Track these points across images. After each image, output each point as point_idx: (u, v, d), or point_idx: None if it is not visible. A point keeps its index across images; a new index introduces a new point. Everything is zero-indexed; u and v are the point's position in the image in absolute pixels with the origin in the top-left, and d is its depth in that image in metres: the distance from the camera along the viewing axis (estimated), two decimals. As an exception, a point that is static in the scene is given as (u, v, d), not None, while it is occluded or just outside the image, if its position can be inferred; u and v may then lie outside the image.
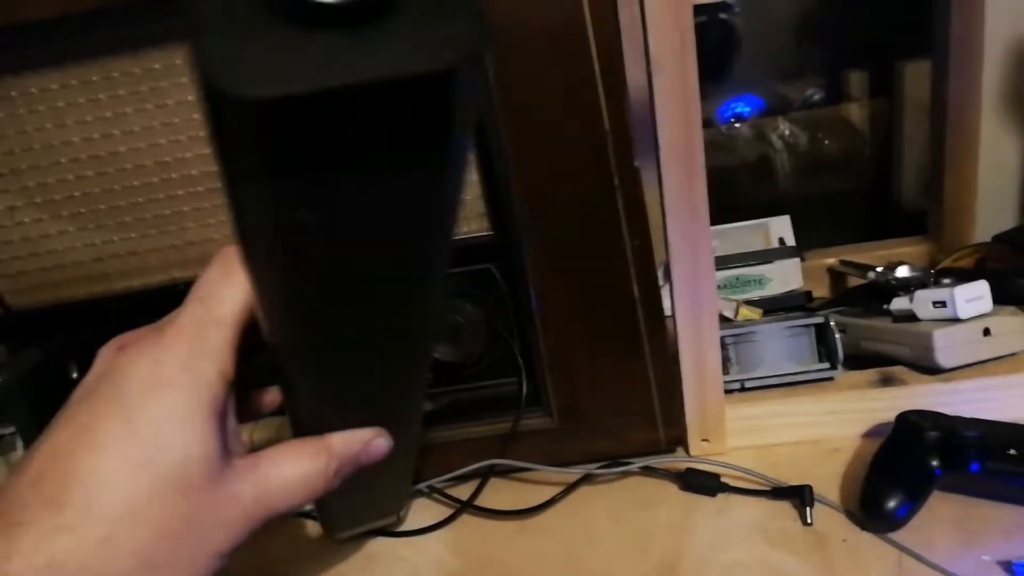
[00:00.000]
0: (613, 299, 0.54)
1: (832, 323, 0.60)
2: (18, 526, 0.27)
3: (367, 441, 0.33)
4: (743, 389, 0.61)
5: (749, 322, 0.64)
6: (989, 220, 0.78)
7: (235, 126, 0.20)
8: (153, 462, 0.28)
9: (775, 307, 0.73)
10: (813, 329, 0.61)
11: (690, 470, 0.58)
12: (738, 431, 0.61)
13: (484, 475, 0.60)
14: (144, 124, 0.53)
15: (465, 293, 0.59)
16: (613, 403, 0.58)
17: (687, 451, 0.61)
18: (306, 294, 0.26)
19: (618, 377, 0.57)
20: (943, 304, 0.59)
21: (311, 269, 0.25)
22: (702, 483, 0.57)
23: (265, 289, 0.28)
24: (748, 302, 0.73)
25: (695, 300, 0.55)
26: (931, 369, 0.59)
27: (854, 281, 0.79)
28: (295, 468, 0.32)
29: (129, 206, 0.55)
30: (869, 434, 0.60)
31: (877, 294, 0.70)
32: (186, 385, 0.29)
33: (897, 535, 0.51)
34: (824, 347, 0.61)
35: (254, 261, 0.27)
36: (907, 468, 0.52)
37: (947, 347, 0.57)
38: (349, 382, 0.32)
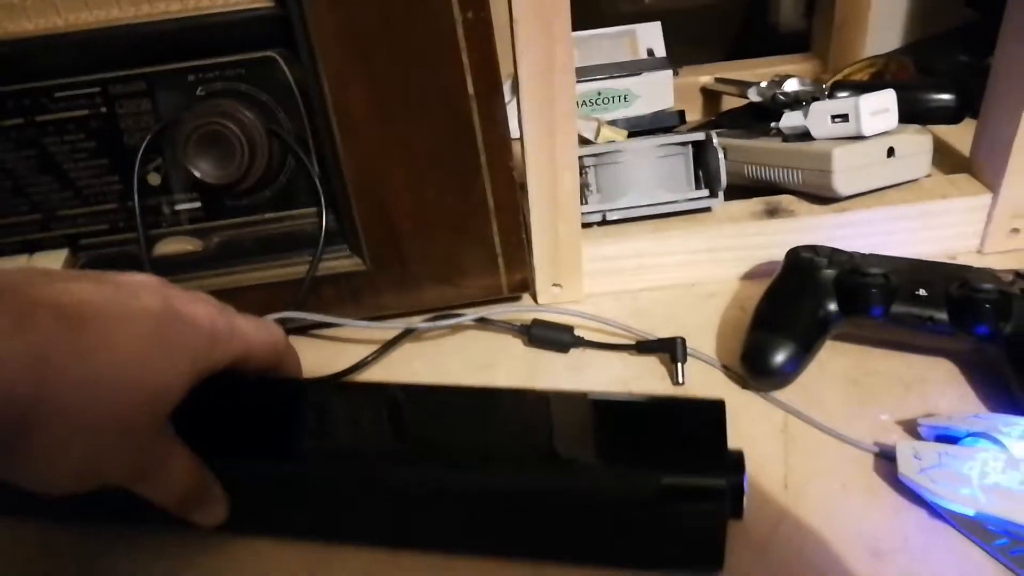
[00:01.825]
0: (440, 95, 0.40)
1: (715, 140, 0.48)
2: (28, 316, 0.27)
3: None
4: (604, 222, 0.49)
5: (613, 142, 0.52)
6: (875, 38, 0.69)
7: None
8: (159, 363, 0.30)
9: (642, 129, 0.61)
10: (691, 149, 0.50)
11: (537, 321, 0.47)
12: (596, 274, 0.49)
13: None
14: None
15: (237, 92, 0.43)
16: (441, 238, 0.45)
17: (534, 299, 0.50)
18: None
19: (448, 205, 0.44)
20: (844, 118, 0.48)
21: None
22: (552, 337, 0.46)
23: None
24: (611, 123, 0.60)
25: (548, 109, 0.42)
26: (824, 198, 0.50)
27: (731, 103, 0.69)
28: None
29: None
30: (751, 275, 0.50)
31: (759, 115, 0.59)
32: (205, 350, 0.32)
33: (782, 394, 0.42)
34: (703, 171, 0.50)
35: None
36: (798, 313, 0.42)
37: (847, 169, 0.47)
38: None
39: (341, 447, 0.36)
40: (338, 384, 0.44)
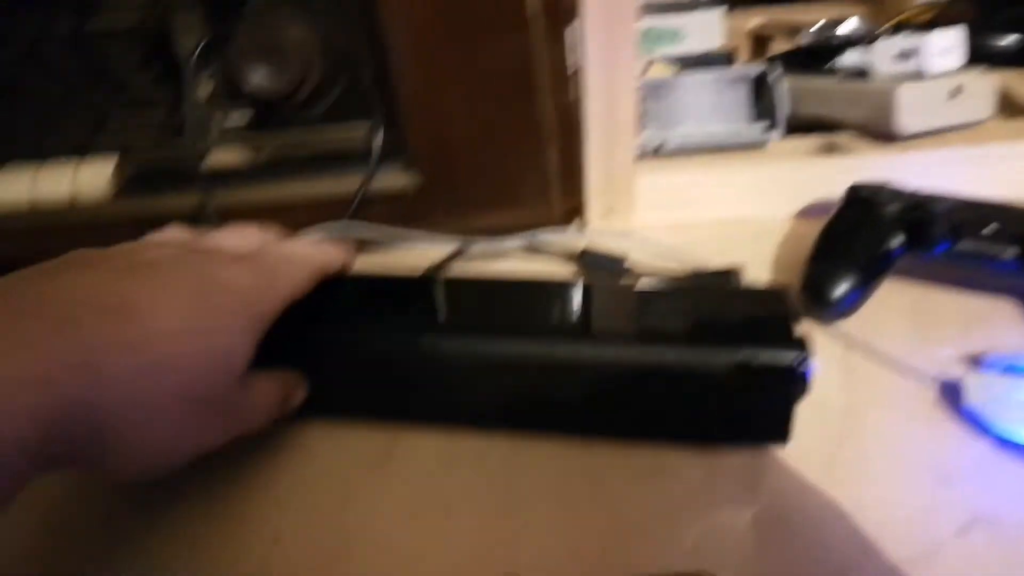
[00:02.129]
0: (505, 8, 0.39)
1: (776, 72, 0.47)
2: (69, 318, 0.26)
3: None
4: (658, 152, 0.48)
5: (671, 74, 0.51)
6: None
7: None
8: (211, 338, 0.29)
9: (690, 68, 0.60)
10: (750, 82, 0.49)
11: (588, 250, 0.46)
12: (648, 205, 0.49)
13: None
14: None
15: (292, 1, 0.42)
16: (496, 159, 0.44)
17: (583, 227, 0.49)
18: None
19: (505, 124, 0.43)
20: (908, 56, 0.47)
21: None
22: (603, 265, 0.45)
23: None
24: (662, 59, 0.59)
25: (610, 30, 0.41)
26: (884, 137, 0.49)
27: (778, 48, 0.67)
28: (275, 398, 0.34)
29: None
30: (805, 213, 0.49)
31: (812, 58, 0.58)
32: (254, 308, 0.32)
33: (842, 325, 0.41)
34: (761, 105, 0.49)
35: None
36: (861, 247, 0.42)
37: (910, 107, 0.46)
38: None
39: (439, 326, 0.37)
40: (421, 278, 0.44)
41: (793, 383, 0.32)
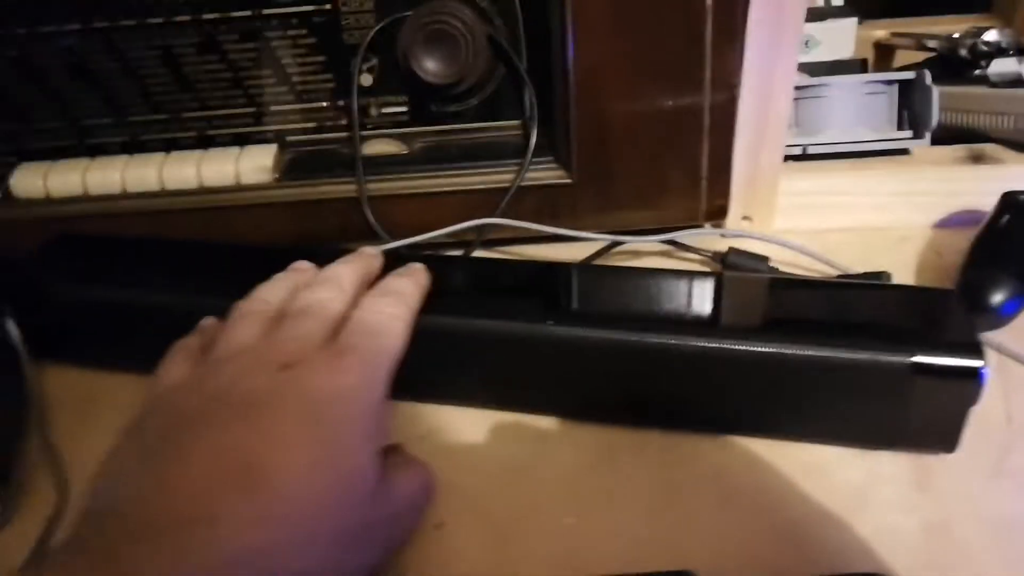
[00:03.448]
0: (676, 5, 0.40)
1: (927, 78, 0.47)
2: (207, 513, 0.25)
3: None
4: (803, 156, 0.48)
5: (818, 78, 0.51)
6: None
7: None
8: (334, 468, 0.28)
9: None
10: (897, 88, 0.49)
11: (733, 250, 0.46)
12: (788, 209, 0.49)
13: (471, 242, 0.47)
14: None
15: (465, -6, 0.43)
16: (651, 154, 0.44)
17: (725, 228, 0.49)
18: None
19: (663, 119, 0.43)
20: (1065, 65, 0.47)
21: None
22: (748, 266, 0.46)
23: None
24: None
25: (775, 27, 0.41)
26: (1033, 147, 0.48)
27: (904, 59, 0.67)
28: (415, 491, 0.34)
29: None
30: (947, 223, 0.49)
31: (947, 68, 0.57)
32: (363, 409, 0.30)
33: (997, 334, 0.41)
34: (909, 111, 0.49)
35: None
36: (1020, 254, 0.41)
37: (1068, 116, 0.45)
38: None
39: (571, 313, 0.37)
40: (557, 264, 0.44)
41: (972, 388, 0.32)
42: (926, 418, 0.34)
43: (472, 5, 0.43)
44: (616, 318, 0.35)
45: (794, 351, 0.33)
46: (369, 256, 0.39)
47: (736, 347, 0.33)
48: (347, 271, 0.36)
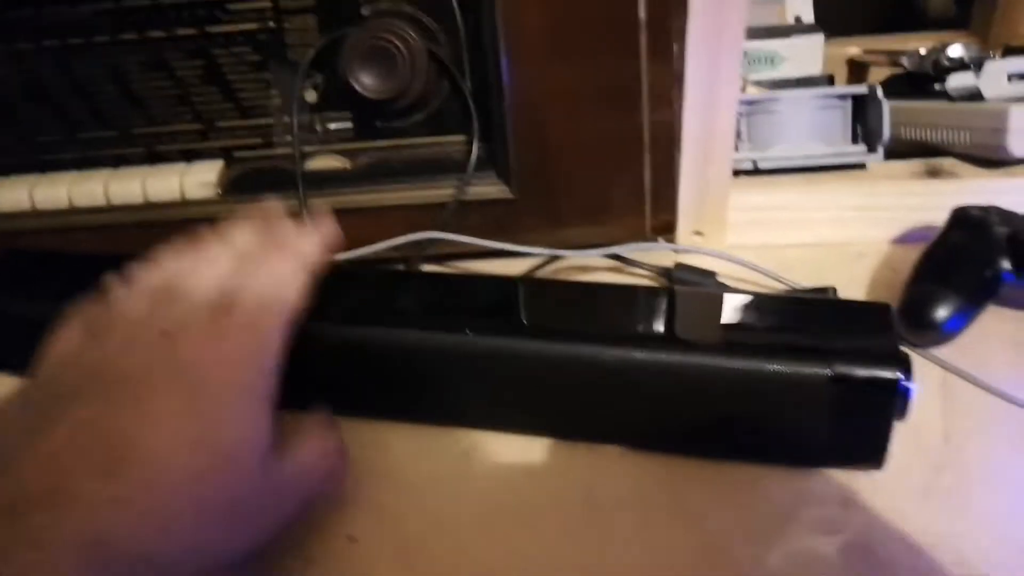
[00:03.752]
0: (612, 19, 0.39)
1: (879, 92, 0.46)
2: (62, 493, 0.24)
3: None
4: (754, 171, 0.48)
5: (769, 92, 0.50)
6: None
7: None
8: (210, 442, 0.27)
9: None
10: (850, 102, 0.48)
11: (680, 265, 0.45)
12: (740, 225, 0.48)
13: (410, 257, 0.46)
14: None
15: (401, 12, 0.43)
16: (593, 170, 0.44)
17: (673, 243, 0.48)
18: None
19: (603, 135, 0.43)
20: (1021, 78, 0.46)
21: None
22: (694, 281, 0.45)
23: None
24: (758, 83, 0.59)
25: (715, 40, 0.41)
26: (991, 161, 0.47)
27: (878, 76, 0.66)
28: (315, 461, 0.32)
29: None
30: (904, 239, 0.48)
31: (915, 84, 0.56)
32: (249, 375, 0.29)
33: (941, 351, 0.40)
34: (862, 126, 0.48)
35: None
36: (966, 270, 0.40)
37: (1023, 129, 0.44)
38: None
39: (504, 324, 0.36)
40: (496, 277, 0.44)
41: (893, 401, 0.31)
42: (851, 434, 0.33)
43: (415, 23, 0.43)
44: (531, 328, 0.35)
45: (712, 363, 0.32)
46: (268, 209, 0.36)
47: (653, 358, 0.33)
48: (240, 229, 0.35)
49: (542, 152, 0.43)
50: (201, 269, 0.32)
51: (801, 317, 0.35)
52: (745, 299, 0.36)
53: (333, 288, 0.35)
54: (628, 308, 0.37)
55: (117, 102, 0.46)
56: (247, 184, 0.47)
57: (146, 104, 0.46)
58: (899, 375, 0.31)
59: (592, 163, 0.44)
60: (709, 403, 0.33)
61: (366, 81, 0.42)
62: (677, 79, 0.42)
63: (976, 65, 0.49)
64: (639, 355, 0.33)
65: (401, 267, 0.47)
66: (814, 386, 0.31)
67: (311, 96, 0.46)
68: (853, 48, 0.67)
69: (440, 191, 0.45)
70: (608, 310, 0.37)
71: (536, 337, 0.34)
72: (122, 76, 0.45)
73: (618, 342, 0.33)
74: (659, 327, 0.35)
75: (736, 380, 0.32)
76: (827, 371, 0.31)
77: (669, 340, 0.34)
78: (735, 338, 0.34)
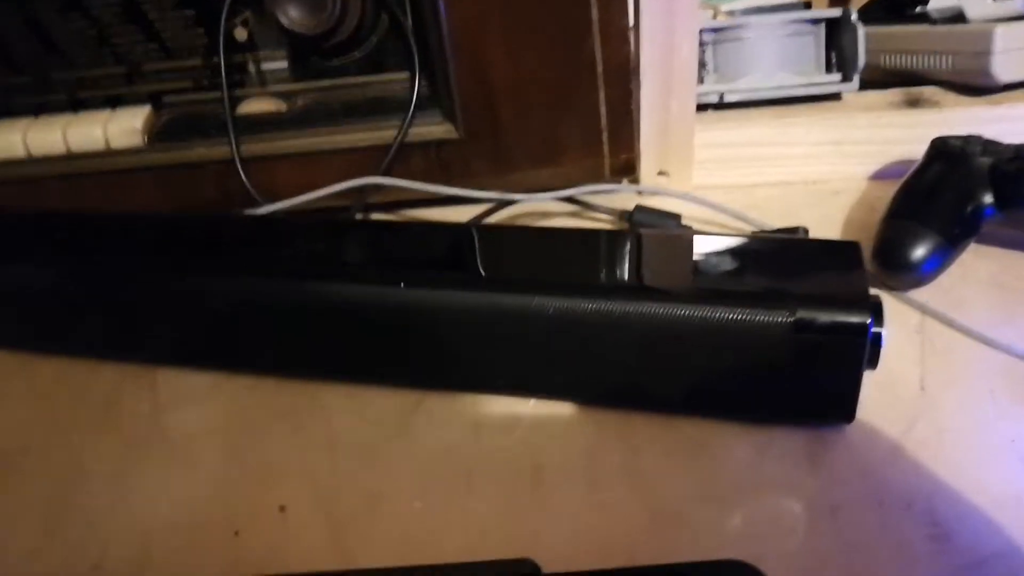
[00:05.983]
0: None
1: (853, 16, 0.43)
2: None
3: None
4: (720, 105, 0.45)
5: (735, 17, 0.47)
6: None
7: None
8: None
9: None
10: (823, 27, 0.44)
11: (640, 208, 0.42)
12: (708, 163, 0.45)
13: (354, 205, 0.43)
14: None
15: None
16: (542, 108, 0.41)
17: (635, 185, 0.45)
18: None
19: (552, 70, 0.39)
20: (1008, -5, 0.42)
21: None
22: (656, 224, 0.42)
23: None
24: (730, 13, 0.55)
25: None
26: (975, 88, 0.44)
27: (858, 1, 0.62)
28: None
29: None
30: (883, 174, 0.45)
31: (894, 9, 0.53)
32: None
33: (919, 293, 0.37)
34: (836, 54, 0.44)
35: None
36: (946, 205, 0.37)
37: (1009, 50, 0.41)
38: None
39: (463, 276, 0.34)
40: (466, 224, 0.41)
41: (862, 348, 0.28)
42: (817, 385, 0.30)
43: (346, -50, 0.40)
44: (476, 279, 0.32)
45: (667, 311, 0.30)
46: None
47: (604, 308, 0.30)
48: None
49: (488, 87, 0.40)
50: None
51: (764, 260, 0.33)
52: (704, 241, 0.34)
53: (267, 240, 0.33)
54: (580, 254, 0.34)
55: (32, 45, 0.43)
56: (176, 131, 0.44)
57: (64, 47, 0.43)
58: (867, 319, 0.28)
59: (542, 99, 0.40)
60: (666, 354, 0.31)
61: (293, 14, 0.39)
62: (631, 3, 0.38)
63: (960, -16, 0.45)
64: (590, 305, 0.30)
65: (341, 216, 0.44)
66: (776, 334, 0.29)
67: (241, 34, 0.42)
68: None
69: (382, 133, 0.42)
70: (557, 257, 0.34)
71: (481, 288, 0.32)
72: (36, 17, 0.42)
73: (568, 292, 0.31)
74: (613, 275, 0.32)
75: (693, 329, 0.29)
76: (789, 317, 0.28)
77: (622, 289, 0.31)
78: (691, 284, 0.31)
